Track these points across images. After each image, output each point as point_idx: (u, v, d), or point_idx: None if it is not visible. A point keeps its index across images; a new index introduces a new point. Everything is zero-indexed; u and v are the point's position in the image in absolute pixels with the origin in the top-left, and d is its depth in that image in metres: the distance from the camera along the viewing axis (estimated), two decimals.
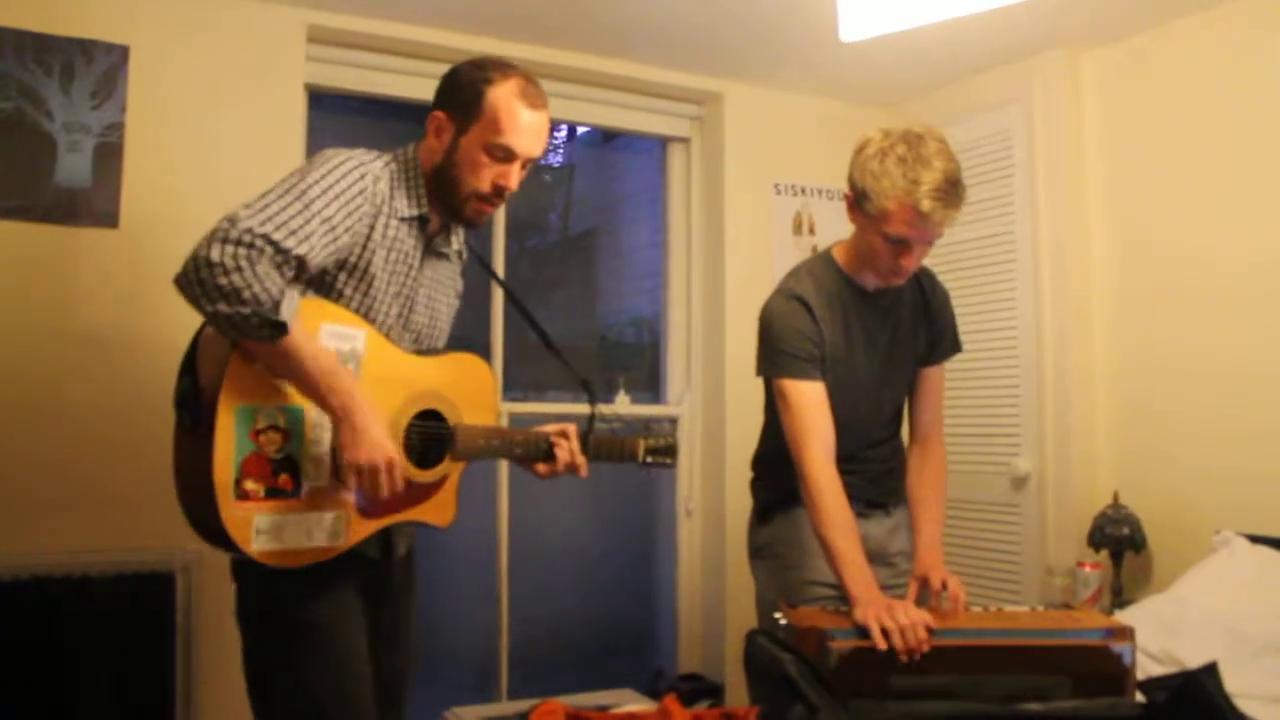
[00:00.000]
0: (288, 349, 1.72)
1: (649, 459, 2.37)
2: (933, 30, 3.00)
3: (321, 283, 1.90)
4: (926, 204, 2.07)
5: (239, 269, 1.65)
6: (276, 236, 1.70)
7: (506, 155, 1.97)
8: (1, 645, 2.74)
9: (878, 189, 2.10)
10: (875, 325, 2.33)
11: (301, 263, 1.75)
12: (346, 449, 1.79)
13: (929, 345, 2.42)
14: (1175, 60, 3.40)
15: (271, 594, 1.91)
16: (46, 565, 2.83)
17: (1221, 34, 3.26)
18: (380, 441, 1.81)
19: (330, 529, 1.86)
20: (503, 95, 1.95)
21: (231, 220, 1.69)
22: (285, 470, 1.80)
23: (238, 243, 1.66)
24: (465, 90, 1.97)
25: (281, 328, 1.69)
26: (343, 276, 1.91)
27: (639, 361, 4.37)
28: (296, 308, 1.73)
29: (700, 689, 3.80)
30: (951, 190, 2.09)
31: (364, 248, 1.91)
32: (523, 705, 2.07)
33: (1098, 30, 3.52)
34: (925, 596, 2.21)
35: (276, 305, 1.67)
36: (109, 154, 3.02)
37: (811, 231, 4.19)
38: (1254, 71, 3.16)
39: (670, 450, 2.39)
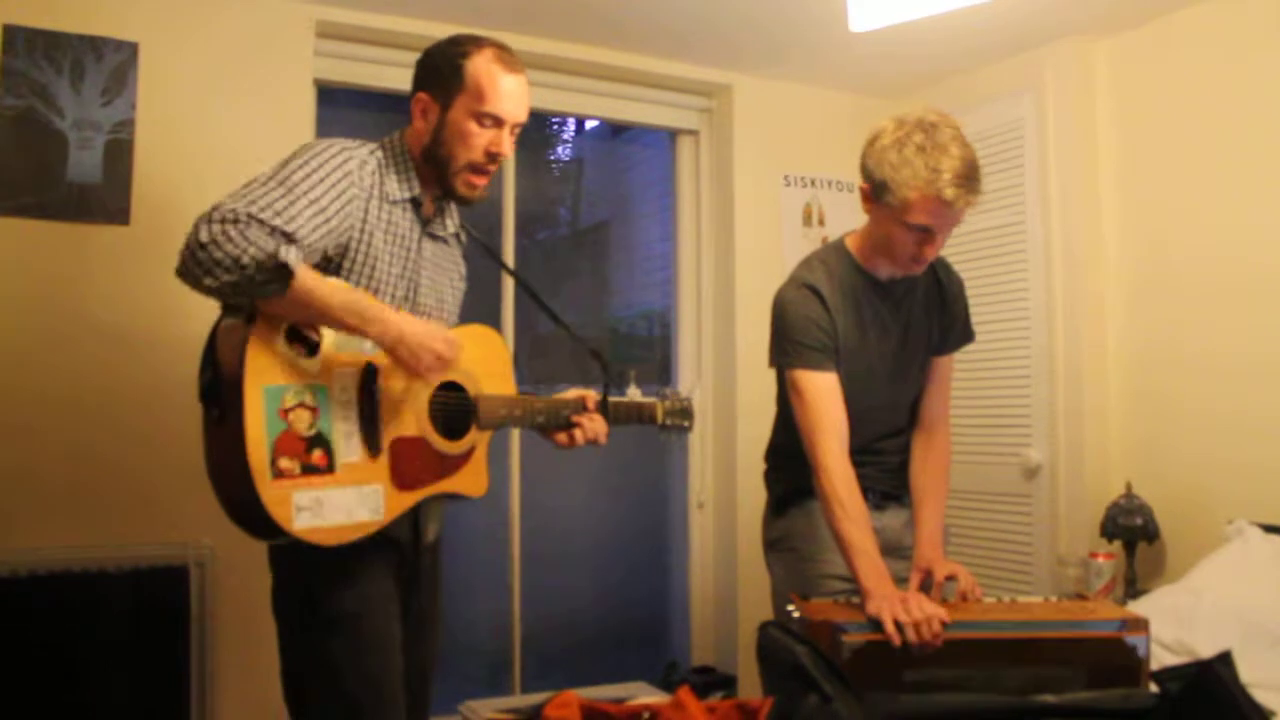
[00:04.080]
0: (303, 292, 1.74)
1: (668, 421, 2.44)
2: (942, 20, 2.99)
3: (326, 271, 1.91)
4: (949, 192, 2.06)
5: (230, 239, 1.68)
6: (262, 216, 1.73)
7: (495, 122, 2.01)
8: (17, 640, 2.76)
9: (898, 179, 2.09)
10: (889, 315, 2.32)
11: (290, 238, 1.76)
12: (410, 361, 1.88)
13: (941, 333, 2.41)
14: (1188, 48, 3.38)
15: (305, 583, 1.92)
16: (62, 560, 2.84)
17: (1235, 21, 3.23)
18: (430, 333, 1.89)
19: (370, 504, 1.87)
20: (481, 64, 2.00)
21: (215, 207, 1.72)
22: (318, 447, 1.80)
23: (223, 220, 1.69)
24: (443, 67, 2.01)
25: (285, 269, 1.70)
26: (346, 263, 1.93)
27: (650, 354, 4.37)
28: (299, 256, 1.74)
29: (713, 681, 3.80)
30: (972, 175, 2.08)
31: (361, 231, 1.94)
32: (537, 698, 2.06)
33: (1110, 18, 3.50)
34: (928, 588, 2.20)
35: (275, 254, 1.69)
36: (119, 151, 3.03)
37: (821, 223, 4.18)
38: (1268, 59, 3.14)
39: (686, 413, 2.47)
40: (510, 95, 2.01)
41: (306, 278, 1.75)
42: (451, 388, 2.04)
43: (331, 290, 1.80)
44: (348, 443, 1.85)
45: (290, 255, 1.71)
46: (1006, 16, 3.37)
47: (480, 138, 2.00)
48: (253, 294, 1.71)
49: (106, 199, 3.02)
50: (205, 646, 2.99)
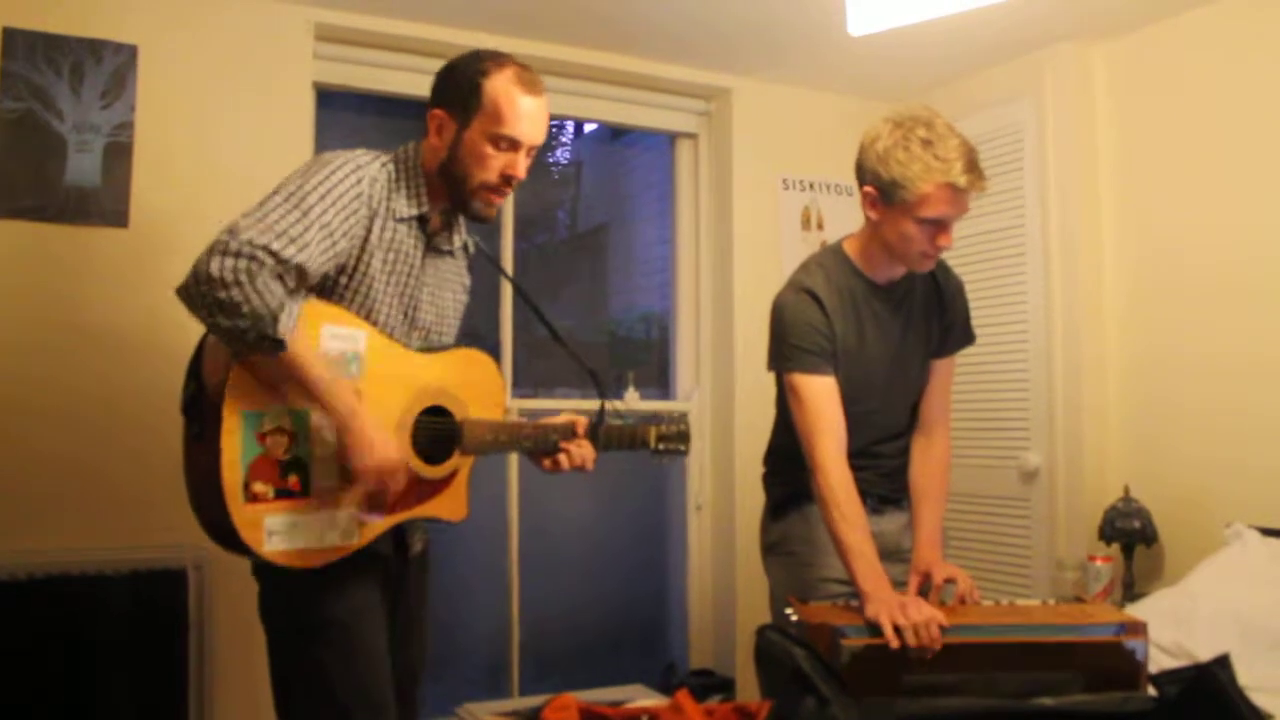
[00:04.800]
0: (287, 362, 1.75)
1: (661, 445, 2.35)
2: (941, 24, 2.99)
3: (322, 287, 1.90)
4: (963, 179, 2.09)
5: (238, 283, 1.67)
6: (276, 246, 1.71)
7: (511, 145, 1.98)
8: (16, 643, 2.75)
9: (910, 175, 2.10)
10: (887, 318, 2.32)
11: (302, 271, 1.76)
12: (354, 456, 1.82)
13: (941, 336, 2.41)
14: (1186, 52, 3.39)
15: (291, 593, 1.92)
16: (60, 563, 2.84)
17: (1233, 25, 3.24)
18: (384, 444, 1.84)
19: (343, 528, 1.87)
20: (500, 85, 1.96)
21: (231, 232, 1.70)
22: (294, 471, 1.81)
23: (238, 255, 1.68)
24: (463, 85, 1.98)
25: (279, 344, 1.71)
26: (343, 280, 1.92)
27: (648, 357, 4.38)
28: (295, 322, 1.74)
29: (712, 684, 3.80)
30: (977, 160, 2.13)
31: (362, 250, 1.92)
32: (535, 700, 2.06)
33: (1108, 23, 3.51)
34: (926, 590, 2.20)
35: (275, 319, 1.69)
36: (118, 153, 3.03)
37: (820, 226, 4.18)
38: (1266, 63, 3.14)
39: (682, 437, 2.38)
40: (528, 117, 1.97)
41: (295, 351, 1.74)
42: (438, 412, 2.03)
43: (311, 372, 1.79)
44: (325, 467, 1.85)
45: (288, 327, 1.71)
46: (1005, 21, 3.37)
47: (496, 160, 1.97)
48: (239, 347, 1.72)
49: (105, 202, 3.02)
50: (204, 649, 2.99)
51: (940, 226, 2.16)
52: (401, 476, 1.89)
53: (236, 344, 1.71)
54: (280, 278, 1.72)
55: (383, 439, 1.84)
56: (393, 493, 1.89)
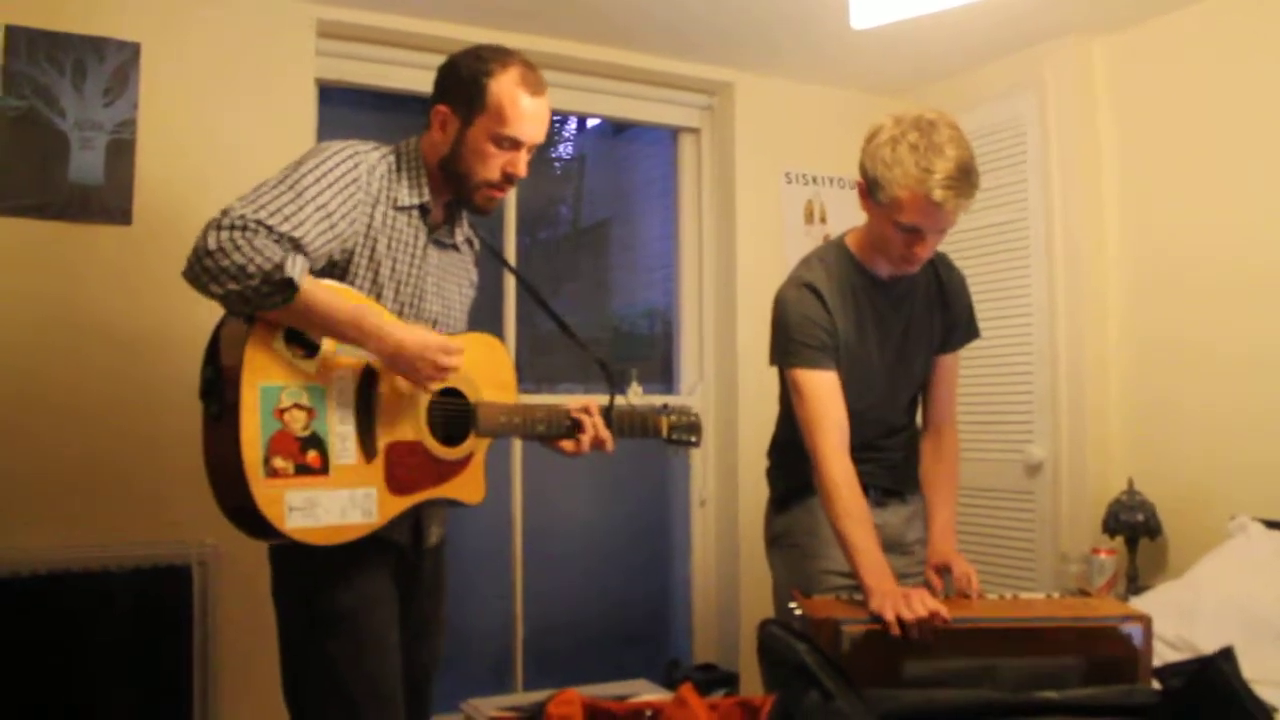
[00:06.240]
0: (306, 306, 1.76)
1: (673, 435, 2.39)
2: (943, 18, 2.99)
3: (331, 275, 1.92)
4: (939, 193, 2.05)
5: (237, 248, 1.69)
6: (271, 221, 1.74)
7: (514, 144, 2.01)
8: (20, 640, 2.76)
9: (890, 178, 2.09)
10: (889, 313, 2.32)
11: (297, 245, 1.77)
12: (409, 373, 1.88)
13: (945, 331, 2.41)
14: (1188, 46, 3.38)
15: (304, 578, 1.93)
16: (64, 560, 2.84)
17: (1232, 19, 3.23)
18: (428, 344, 1.88)
19: (363, 506, 1.87)
20: (505, 86, 1.98)
21: (225, 212, 1.73)
22: (313, 448, 1.81)
23: (231, 227, 1.71)
24: (467, 83, 2.00)
25: (290, 285, 1.71)
26: (351, 268, 1.94)
27: (652, 352, 4.37)
28: (304, 268, 1.75)
29: (715, 678, 3.80)
30: (964, 179, 2.07)
31: (366, 236, 1.94)
32: (539, 696, 2.06)
33: (1109, 16, 3.50)
34: (948, 585, 2.20)
35: (281, 266, 1.70)
36: (121, 151, 3.04)
37: (823, 220, 4.18)
38: (1267, 56, 3.14)
39: (693, 428, 2.42)
40: (531, 118, 2.00)
41: (310, 291, 1.76)
42: (451, 393, 2.04)
43: (333, 303, 1.81)
44: (343, 445, 1.86)
45: (296, 269, 1.72)
46: (1006, 14, 3.37)
47: (498, 159, 2.00)
48: (257, 306, 1.73)
49: (108, 199, 3.02)
50: (208, 646, 2.99)
51: (917, 235, 2.14)
52: (458, 359, 1.92)
53: (250, 305, 1.73)
54: (277, 243, 1.74)
55: (423, 339, 1.88)
56: (456, 367, 1.92)
